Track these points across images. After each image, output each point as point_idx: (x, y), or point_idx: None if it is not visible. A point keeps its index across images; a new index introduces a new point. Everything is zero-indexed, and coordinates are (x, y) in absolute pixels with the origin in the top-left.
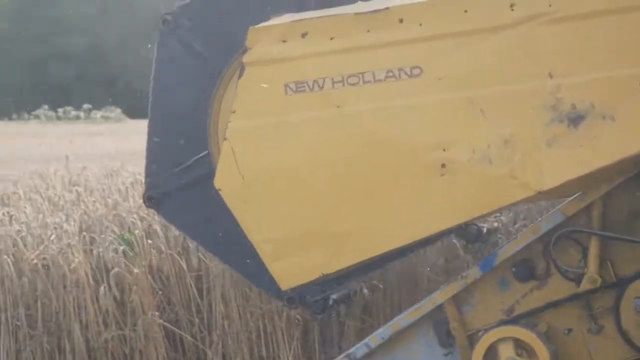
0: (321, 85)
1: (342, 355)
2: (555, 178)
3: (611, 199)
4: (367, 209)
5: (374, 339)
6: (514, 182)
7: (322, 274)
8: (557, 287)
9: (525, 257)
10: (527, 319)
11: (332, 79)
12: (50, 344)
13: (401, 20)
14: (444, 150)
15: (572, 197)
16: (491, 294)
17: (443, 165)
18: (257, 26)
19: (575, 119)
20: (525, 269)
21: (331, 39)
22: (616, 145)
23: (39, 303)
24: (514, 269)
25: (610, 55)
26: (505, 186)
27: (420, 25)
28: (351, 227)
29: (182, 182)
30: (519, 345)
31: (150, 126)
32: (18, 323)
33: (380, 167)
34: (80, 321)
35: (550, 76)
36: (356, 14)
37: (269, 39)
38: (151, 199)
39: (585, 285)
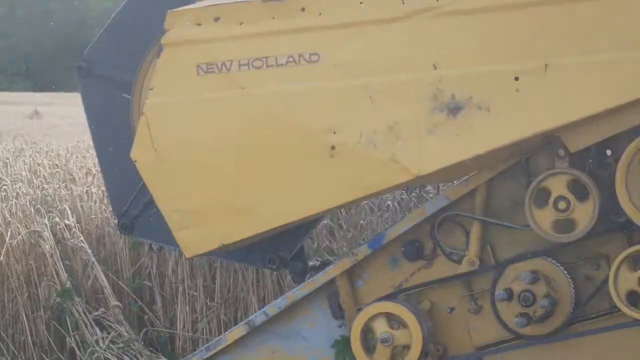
0: (228, 67)
1: (243, 322)
2: (433, 164)
3: (495, 186)
4: (263, 186)
5: (271, 308)
6: (395, 166)
7: (222, 244)
8: (443, 268)
9: (414, 237)
10: (409, 296)
11: (239, 61)
12: (227, 315)
13: (303, 9)
14: (334, 133)
15: (457, 182)
16: (382, 271)
17: (333, 148)
18: (174, 10)
19: (454, 109)
20: (413, 248)
21: (240, 24)
22: (490, 135)
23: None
24: (402, 249)
25: (489, 51)
26: (387, 170)
27: (320, 14)
28: (249, 201)
29: (145, 200)
30: (396, 320)
31: (101, 162)
32: (195, 293)
33: (277, 146)
34: (258, 294)
35: (434, 68)
36: (263, 1)
37: (185, 22)
38: (125, 227)
39: (464, 267)
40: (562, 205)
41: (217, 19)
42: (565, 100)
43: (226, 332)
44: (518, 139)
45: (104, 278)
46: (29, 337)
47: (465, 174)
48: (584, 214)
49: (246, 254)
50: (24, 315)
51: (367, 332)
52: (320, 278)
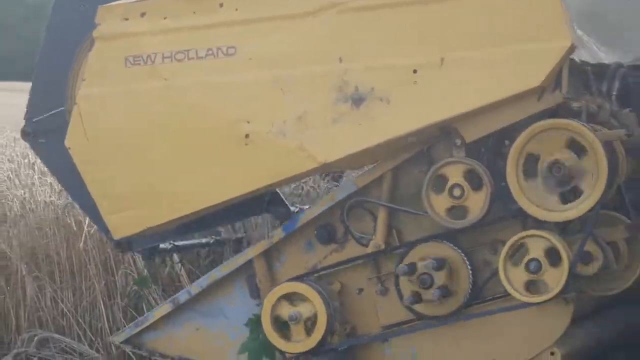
0: (153, 60)
1: (168, 300)
2: (338, 152)
3: (401, 174)
4: (184, 172)
5: (194, 287)
6: (303, 154)
7: (147, 227)
8: (353, 251)
9: (327, 222)
10: (321, 277)
11: (163, 54)
12: None
13: (221, 5)
14: (248, 122)
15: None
16: (297, 254)
17: (247, 136)
18: (104, 5)
19: (357, 100)
20: (325, 232)
21: (164, 18)
22: (390, 125)
23: None
24: (316, 232)
25: (389, 45)
26: (296, 158)
27: (237, 10)
28: (172, 186)
29: (55, 126)
30: (299, 299)
31: (36, 68)
32: None
33: (197, 135)
34: None
35: (340, 61)
36: None
37: (114, 17)
38: (26, 134)
39: (369, 250)
40: (457, 192)
41: (143, 14)
42: (459, 92)
43: (153, 310)
44: (416, 128)
45: (180, 266)
46: (106, 324)
47: (371, 161)
48: (477, 203)
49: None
50: (101, 303)
51: (277, 312)
52: (238, 259)
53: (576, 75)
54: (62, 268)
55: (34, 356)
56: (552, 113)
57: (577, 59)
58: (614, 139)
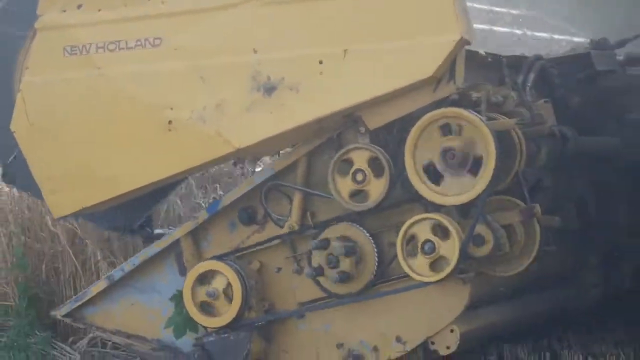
0: (88, 50)
1: (104, 277)
2: (251, 138)
3: (315, 159)
4: (114, 156)
5: (128, 265)
6: (220, 139)
7: (82, 207)
8: (272, 232)
9: (248, 204)
10: (242, 256)
11: (97, 44)
12: None
13: None
14: (171, 109)
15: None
16: (222, 234)
17: (170, 122)
18: None
19: (269, 89)
20: (246, 214)
21: (99, 10)
22: (298, 112)
23: None
24: (238, 214)
25: (298, 37)
26: (214, 143)
27: (163, 2)
28: (104, 169)
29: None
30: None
31: None
32: None
33: (126, 121)
34: None
35: (255, 52)
36: None
37: (54, 9)
38: (5, 175)
39: (280, 231)
40: (359, 177)
41: (79, 6)
42: (360, 82)
43: (91, 285)
44: (322, 115)
45: None
46: None
47: (284, 147)
48: (377, 188)
49: (104, 219)
50: None
51: (197, 288)
52: (167, 239)
53: (489, 67)
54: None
55: (109, 340)
56: (453, 102)
57: (482, 52)
58: (505, 128)
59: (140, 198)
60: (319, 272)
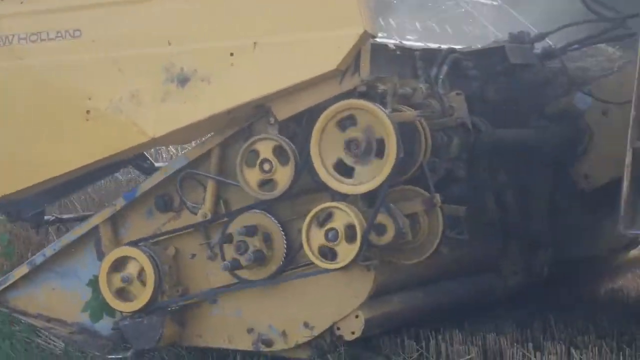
0: (11, 41)
1: (26, 261)
2: (165, 127)
3: (228, 148)
4: (35, 144)
5: (49, 250)
6: (135, 129)
7: (4, 194)
8: (188, 220)
9: (164, 191)
10: (159, 242)
11: (19, 36)
12: None
13: None
14: (90, 99)
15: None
16: (140, 220)
17: (88, 112)
18: None
19: (183, 80)
20: (163, 201)
21: (21, 3)
22: (210, 103)
23: None
24: (154, 201)
25: (210, 30)
26: (129, 132)
27: None
28: (25, 157)
29: None
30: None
31: None
32: None
33: (47, 110)
34: None
35: (169, 44)
36: None
37: None
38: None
39: (194, 219)
40: (266, 167)
41: None
42: (268, 74)
43: (14, 270)
44: (232, 106)
45: None
46: None
47: (198, 137)
48: (283, 177)
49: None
50: None
51: (112, 274)
52: (86, 225)
53: (403, 60)
54: None
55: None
56: (360, 95)
57: (391, 44)
58: (406, 120)
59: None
60: (235, 264)
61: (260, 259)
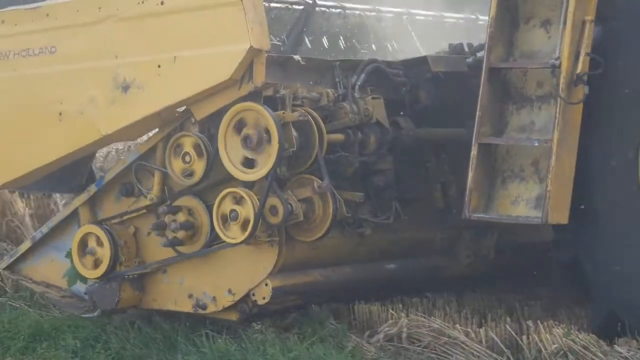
0: (8, 56)
1: (29, 237)
2: (113, 126)
3: (168, 143)
4: (19, 141)
5: (44, 227)
6: (93, 127)
7: (3, 183)
8: (143, 203)
9: (127, 179)
10: (122, 222)
11: (14, 51)
12: None
13: (47, 15)
14: (61, 103)
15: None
16: (112, 204)
17: (60, 114)
18: None
19: (125, 87)
20: (125, 188)
21: (15, 25)
22: (144, 106)
23: None
24: (120, 188)
25: (144, 46)
26: (88, 130)
27: (57, 18)
28: (16, 152)
29: None
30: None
31: None
32: None
33: (30, 112)
34: None
35: (116, 57)
36: (25, 9)
37: None
38: None
39: (146, 202)
40: (187, 158)
41: (3, 22)
42: (183, 83)
43: (21, 244)
44: (160, 109)
45: None
46: None
47: (139, 134)
48: (199, 168)
49: None
50: None
51: (81, 247)
52: (70, 207)
53: (320, 70)
54: None
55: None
56: (265, 99)
57: (298, 57)
58: (290, 120)
59: None
60: (173, 242)
61: (188, 228)
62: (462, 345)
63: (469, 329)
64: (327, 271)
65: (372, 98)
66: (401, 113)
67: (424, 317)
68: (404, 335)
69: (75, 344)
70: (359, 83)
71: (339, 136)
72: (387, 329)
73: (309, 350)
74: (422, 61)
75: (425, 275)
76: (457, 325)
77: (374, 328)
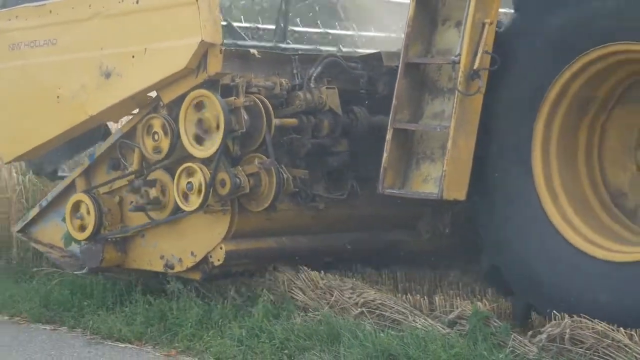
0: (19, 47)
1: (37, 204)
2: (98, 108)
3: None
4: (31, 119)
5: (49, 195)
6: (82, 109)
7: (15, 156)
8: (130, 176)
9: (114, 155)
10: (111, 192)
11: (24, 43)
12: None
13: (50, 11)
14: (59, 88)
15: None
16: (104, 175)
17: (58, 97)
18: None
19: (107, 75)
20: (112, 162)
21: (26, 19)
22: (121, 91)
23: None
24: (109, 162)
25: (121, 39)
26: (80, 112)
27: (58, 14)
28: (25, 129)
29: None
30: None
31: None
32: None
33: (36, 94)
34: None
35: (101, 49)
36: (34, 6)
37: (2, 18)
38: None
39: (129, 175)
40: (156, 137)
41: (17, 17)
42: (150, 70)
43: (30, 210)
44: (133, 93)
45: None
46: None
47: (119, 116)
48: (166, 145)
49: None
50: None
51: (72, 212)
52: (69, 178)
53: (284, 62)
54: None
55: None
56: (222, 87)
57: (254, 50)
58: (239, 105)
59: None
60: (139, 208)
61: (157, 203)
62: (626, 348)
63: (632, 332)
64: (283, 240)
65: (327, 88)
66: (366, 103)
67: (588, 319)
68: (566, 336)
69: (240, 333)
70: (314, 75)
71: (292, 120)
72: (550, 329)
73: (470, 347)
74: (377, 57)
75: (383, 248)
76: (622, 328)
77: (536, 328)
